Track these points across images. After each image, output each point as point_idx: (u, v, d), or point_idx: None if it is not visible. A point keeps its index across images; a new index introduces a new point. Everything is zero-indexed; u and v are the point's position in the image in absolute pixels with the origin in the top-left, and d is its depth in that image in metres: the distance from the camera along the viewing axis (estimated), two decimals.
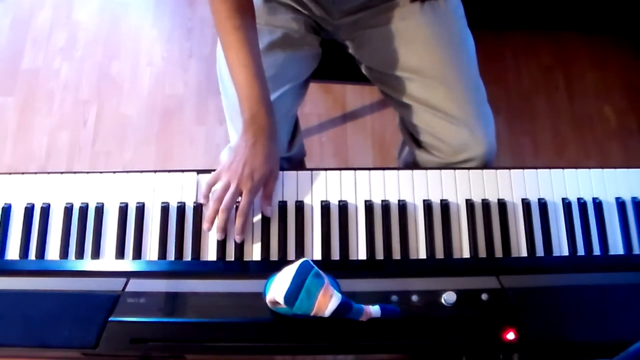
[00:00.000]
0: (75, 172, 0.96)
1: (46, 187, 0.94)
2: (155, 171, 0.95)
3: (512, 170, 0.95)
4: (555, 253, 0.91)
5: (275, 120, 0.95)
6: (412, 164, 1.18)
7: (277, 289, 0.74)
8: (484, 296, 0.84)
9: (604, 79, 1.86)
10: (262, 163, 0.90)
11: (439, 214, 0.92)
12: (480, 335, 0.82)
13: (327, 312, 0.73)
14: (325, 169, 0.95)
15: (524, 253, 0.91)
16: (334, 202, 0.93)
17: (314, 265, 0.74)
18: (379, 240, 0.90)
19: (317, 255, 0.90)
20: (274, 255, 0.90)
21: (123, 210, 0.92)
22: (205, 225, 0.90)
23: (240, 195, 0.89)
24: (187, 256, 0.90)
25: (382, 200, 0.93)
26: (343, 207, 0.92)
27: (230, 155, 0.92)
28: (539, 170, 0.95)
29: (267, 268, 0.84)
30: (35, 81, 1.87)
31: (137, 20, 1.98)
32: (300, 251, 0.90)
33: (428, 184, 0.94)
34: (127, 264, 0.89)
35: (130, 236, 0.91)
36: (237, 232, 0.89)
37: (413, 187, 0.94)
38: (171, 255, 0.90)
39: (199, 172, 0.95)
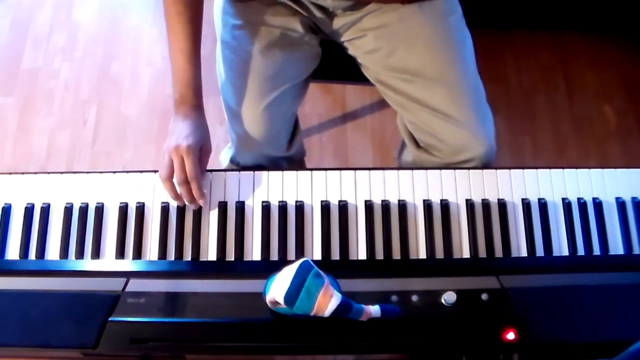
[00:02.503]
0: (75, 172, 0.96)
1: (46, 187, 0.94)
2: (155, 171, 0.95)
3: (512, 170, 0.95)
4: (555, 253, 0.91)
5: (202, 101, 0.99)
6: (412, 164, 1.18)
7: (277, 289, 0.74)
8: (484, 296, 0.84)
9: (604, 79, 1.86)
10: (195, 129, 0.94)
11: (439, 214, 0.92)
12: (480, 335, 0.82)
13: (327, 312, 0.73)
14: (325, 169, 0.95)
15: (524, 253, 0.91)
16: (334, 202, 0.93)
17: (314, 265, 0.74)
18: (379, 240, 0.90)
19: (317, 255, 0.90)
20: (274, 255, 0.90)
21: (123, 210, 0.92)
22: (179, 203, 0.91)
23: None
24: (187, 256, 0.90)
25: (382, 200, 0.93)
26: (343, 207, 0.92)
27: (167, 139, 0.94)
28: (539, 170, 0.95)
29: (267, 268, 0.84)
30: (35, 81, 1.87)
31: (137, 20, 1.98)
32: (300, 251, 0.90)
33: (428, 184, 0.94)
34: (127, 264, 0.89)
35: (131, 236, 0.91)
36: (197, 196, 0.90)
37: (413, 187, 0.94)
38: (171, 255, 0.90)
39: None
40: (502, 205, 0.92)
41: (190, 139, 0.92)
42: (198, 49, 0.99)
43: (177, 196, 0.91)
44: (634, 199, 0.94)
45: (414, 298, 0.83)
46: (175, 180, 0.90)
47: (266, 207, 0.92)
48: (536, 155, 1.76)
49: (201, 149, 0.93)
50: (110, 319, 0.82)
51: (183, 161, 0.90)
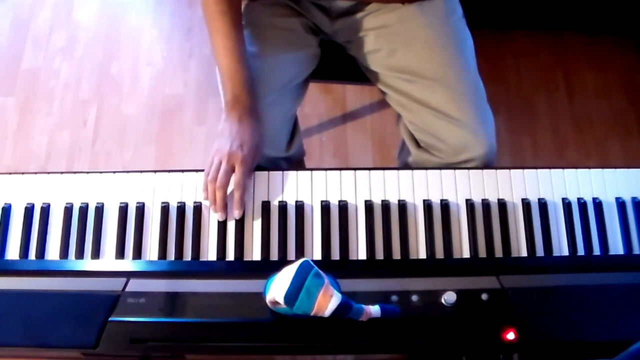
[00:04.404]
0: (75, 172, 0.96)
1: (46, 187, 0.94)
2: (155, 171, 0.95)
3: (512, 170, 0.95)
4: (555, 253, 0.91)
5: (256, 101, 0.97)
6: (412, 164, 1.18)
7: (277, 289, 0.74)
8: (484, 296, 0.84)
9: (604, 79, 1.86)
10: (250, 136, 0.93)
11: (439, 214, 0.92)
12: (480, 335, 0.82)
13: (327, 312, 0.73)
14: (325, 169, 0.95)
15: (524, 253, 0.90)
16: (334, 202, 0.93)
17: (314, 265, 0.74)
18: (379, 240, 0.90)
19: (317, 255, 0.90)
20: (274, 255, 0.90)
21: (123, 210, 0.92)
22: (212, 208, 0.90)
23: (234, 171, 0.91)
24: (187, 256, 0.90)
25: (382, 200, 0.93)
26: (343, 207, 0.92)
27: (218, 139, 0.94)
28: (539, 170, 0.95)
29: (267, 268, 0.84)
30: (35, 81, 1.87)
31: (137, 20, 1.98)
32: (300, 251, 0.90)
33: (428, 184, 0.94)
34: (127, 264, 0.89)
35: (130, 236, 0.91)
36: (236, 206, 0.90)
37: (413, 187, 0.94)
38: (171, 255, 0.90)
39: (199, 171, 0.95)
40: (502, 205, 0.92)
41: (246, 147, 0.92)
42: (245, 47, 0.99)
43: (215, 200, 0.90)
44: (634, 199, 0.94)
45: (414, 298, 0.83)
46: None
47: (266, 207, 0.92)
48: (536, 155, 1.76)
49: (253, 157, 0.93)
50: (110, 319, 0.82)
51: (231, 168, 0.90)
